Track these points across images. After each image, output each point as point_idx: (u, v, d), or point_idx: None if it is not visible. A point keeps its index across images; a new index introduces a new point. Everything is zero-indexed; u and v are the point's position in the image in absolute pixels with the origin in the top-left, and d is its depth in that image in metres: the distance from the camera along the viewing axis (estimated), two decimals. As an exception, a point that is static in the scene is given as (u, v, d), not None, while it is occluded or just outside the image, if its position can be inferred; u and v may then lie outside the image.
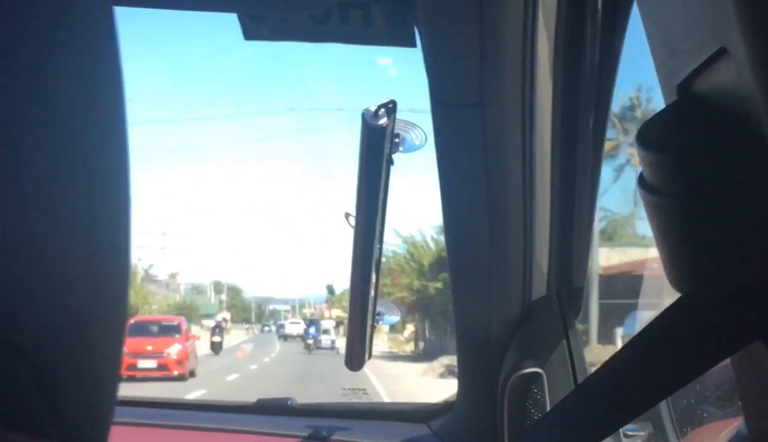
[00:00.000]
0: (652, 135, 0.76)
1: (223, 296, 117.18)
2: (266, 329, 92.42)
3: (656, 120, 0.77)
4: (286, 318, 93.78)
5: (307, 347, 51.21)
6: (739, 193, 0.70)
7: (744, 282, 0.72)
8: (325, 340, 53.30)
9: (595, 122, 1.87)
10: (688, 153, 0.73)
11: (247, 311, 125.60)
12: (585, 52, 1.80)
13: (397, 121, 1.75)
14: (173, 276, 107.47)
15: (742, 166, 0.69)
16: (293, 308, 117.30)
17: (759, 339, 0.75)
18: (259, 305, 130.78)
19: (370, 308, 1.98)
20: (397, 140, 1.79)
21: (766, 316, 0.72)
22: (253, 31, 1.82)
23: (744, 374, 0.81)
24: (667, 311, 0.78)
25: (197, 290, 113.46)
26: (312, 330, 53.96)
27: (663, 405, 2.06)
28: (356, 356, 2.02)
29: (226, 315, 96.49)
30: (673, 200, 0.74)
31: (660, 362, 0.79)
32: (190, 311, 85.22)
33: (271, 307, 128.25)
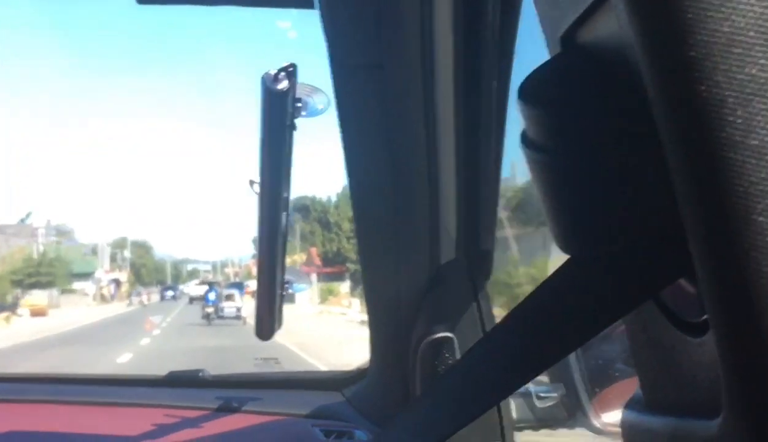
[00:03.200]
0: (533, 88, 0.74)
1: (127, 253, 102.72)
2: (168, 294, 79.40)
3: (538, 73, 0.75)
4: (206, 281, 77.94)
5: (206, 316, 42.46)
6: (622, 146, 0.67)
7: (631, 241, 0.69)
8: (228, 308, 44.14)
9: (498, 80, 1.85)
10: (568, 106, 0.71)
11: (161, 272, 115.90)
12: (485, 9, 1.77)
13: (299, 85, 1.71)
14: (24, 220, 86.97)
15: (624, 119, 0.67)
16: (214, 268, 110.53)
17: (649, 299, 0.73)
18: (175, 266, 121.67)
19: (278, 276, 1.94)
20: (299, 105, 1.75)
21: (656, 276, 0.70)
22: (146, -6, 1.77)
23: (636, 336, 0.80)
24: (556, 273, 0.76)
25: (66, 237, 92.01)
26: (212, 295, 44.27)
27: (574, 365, 2.06)
28: (266, 325, 1.99)
29: (119, 275, 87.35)
30: (554, 156, 0.71)
31: (551, 324, 0.78)
32: (54, 269, 71.05)
33: (189, 267, 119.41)
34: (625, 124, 0.67)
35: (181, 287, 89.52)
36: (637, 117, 0.64)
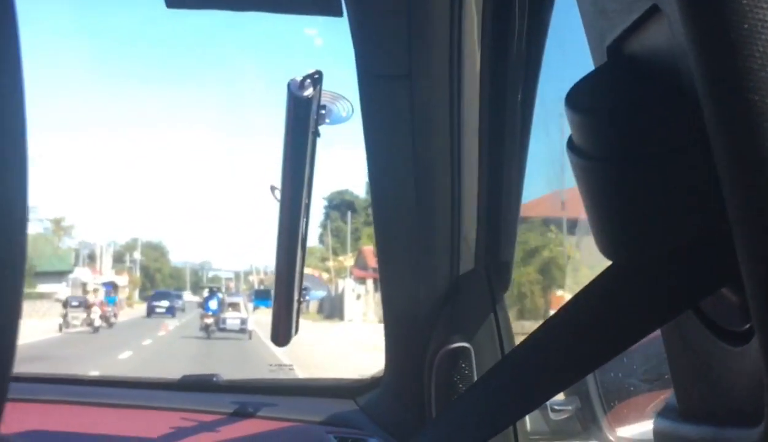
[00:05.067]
0: (581, 97, 0.74)
1: (137, 254, 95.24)
2: (160, 306, 58.41)
3: (585, 82, 0.75)
4: (228, 288, 69.41)
5: (205, 328, 35.83)
6: (669, 155, 0.68)
7: (674, 250, 0.70)
8: (231, 319, 37.18)
9: (523, 94, 1.85)
10: (617, 114, 0.71)
11: (178, 278, 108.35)
12: (513, 24, 1.78)
13: (323, 92, 1.72)
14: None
15: (672, 128, 0.68)
16: (237, 276, 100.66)
17: (690, 309, 0.74)
18: (195, 272, 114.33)
19: (296, 283, 1.95)
20: (323, 112, 1.76)
21: (697, 285, 0.71)
22: (175, -1, 1.78)
23: (673, 345, 0.80)
24: (597, 280, 0.76)
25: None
26: (213, 303, 36.75)
27: (590, 379, 2.06)
28: (282, 331, 1.99)
29: (117, 279, 73.05)
30: (601, 163, 0.72)
31: (590, 332, 0.78)
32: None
33: (210, 274, 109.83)
34: (672, 134, 0.68)
35: (186, 295, 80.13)
36: (684, 127, 0.65)
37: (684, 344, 0.78)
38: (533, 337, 0.85)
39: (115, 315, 44.59)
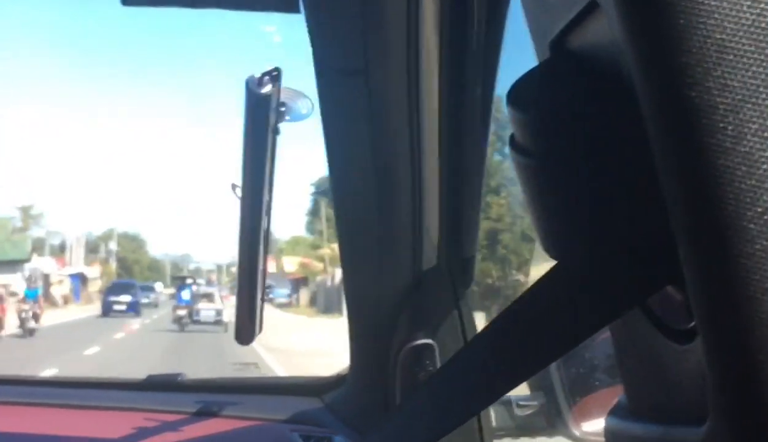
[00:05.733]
0: (522, 93, 0.74)
1: (113, 245, 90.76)
2: (120, 301, 48.36)
3: (526, 78, 0.75)
4: (210, 281, 64.24)
5: (178, 320, 34.46)
6: (611, 152, 0.67)
7: (618, 247, 0.69)
8: (205, 310, 35.71)
9: (483, 87, 1.85)
10: (557, 110, 0.71)
11: (157, 270, 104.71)
12: (471, 16, 1.77)
13: (283, 89, 1.70)
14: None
15: (613, 124, 0.67)
16: (219, 268, 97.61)
17: (636, 306, 0.73)
18: (175, 264, 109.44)
19: (259, 280, 1.94)
20: (283, 109, 1.74)
21: (642, 283, 0.70)
22: (131, -5, 1.76)
23: (622, 343, 0.80)
24: (543, 279, 0.76)
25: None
26: (185, 294, 35.64)
27: (555, 374, 2.06)
28: (246, 329, 1.98)
29: (86, 270, 69.30)
30: (542, 161, 0.71)
31: (539, 330, 0.77)
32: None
33: (192, 266, 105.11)
34: (613, 130, 0.67)
35: (159, 286, 73.86)
36: (625, 123, 0.64)
37: (632, 342, 0.77)
38: (487, 331, 0.85)
39: (36, 316, 31.53)
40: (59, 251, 78.66)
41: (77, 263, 74.81)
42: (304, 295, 57.30)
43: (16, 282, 47.60)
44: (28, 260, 57.27)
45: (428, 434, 0.89)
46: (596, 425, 2.08)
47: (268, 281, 2.05)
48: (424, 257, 2.02)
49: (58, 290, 60.03)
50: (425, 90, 1.82)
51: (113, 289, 52.50)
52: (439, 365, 2.00)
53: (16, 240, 61.30)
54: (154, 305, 59.78)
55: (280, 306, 54.24)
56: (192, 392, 2.57)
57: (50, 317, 38.32)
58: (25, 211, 79.94)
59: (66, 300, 59.75)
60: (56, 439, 2.26)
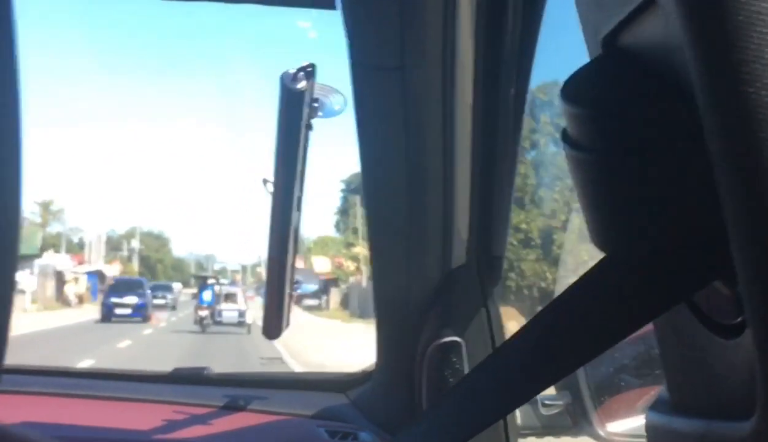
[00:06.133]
0: (576, 88, 0.74)
1: (135, 243, 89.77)
2: (124, 304, 42.12)
3: (580, 74, 0.75)
4: (235, 281, 61.05)
5: (199, 321, 32.89)
6: (664, 148, 0.68)
7: (668, 243, 0.70)
8: (228, 311, 34.53)
9: (516, 87, 1.85)
10: (612, 107, 0.71)
11: (181, 270, 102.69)
12: (507, 14, 1.78)
13: (316, 85, 1.71)
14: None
15: (668, 121, 0.68)
16: (244, 268, 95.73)
17: (683, 301, 0.74)
18: (200, 264, 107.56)
19: (288, 276, 1.95)
20: (316, 105, 1.75)
21: (690, 278, 0.71)
22: (168, -10, 1.78)
23: (666, 338, 0.80)
24: (589, 272, 0.76)
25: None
26: (207, 295, 33.83)
27: (581, 374, 2.06)
28: (274, 324, 1.99)
29: (106, 268, 66.14)
30: (595, 155, 0.72)
31: (582, 325, 0.78)
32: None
33: (217, 266, 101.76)
34: (667, 127, 0.68)
35: (177, 287, 69.08)
36: (679, 120, 0.65)
37: (676, 337, 0.78)
38: (524, 330, 0.85)
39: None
40: (78, 248, 77.55)
41: (97, 260, 73.02)
42: (335, 297, 54.71)
43: (24, 279, 46.35)
44: (38, 256, 54.80)
45: (459, 435, 0.90)
46: (622, 425, 2.09)
47: (297, 276, 2.06)
48: (454, 255, 2.03)
49: (73, 289, 57.29)
50: (459, 87, 1.82)
51: (116, 288, 44.72)
52: (466, 362, 2.01)
53: (24, 234, 53.30)
54: (171, 306, 55.57)
55: (309, 308, 51.71)
56: (218, 385, 2.59)
57: (39, 320, 33.86)
58: (45, 206, 78.30)
59: (81, 299, 57.09)
60: (87, 429, 2.28)
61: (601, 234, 0.74)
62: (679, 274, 0.71)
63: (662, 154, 0.68)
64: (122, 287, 44.86)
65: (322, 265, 59.89)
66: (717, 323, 0.71)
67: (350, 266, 55.05)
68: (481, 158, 1.92)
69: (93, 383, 2.65)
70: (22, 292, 44.84)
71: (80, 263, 66.68)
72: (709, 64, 0.56)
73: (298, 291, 2.16)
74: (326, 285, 54.57)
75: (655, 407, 0.81)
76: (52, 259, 58.59)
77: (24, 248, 47.89)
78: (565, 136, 0.75)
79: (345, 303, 51.12)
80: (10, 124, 0.57)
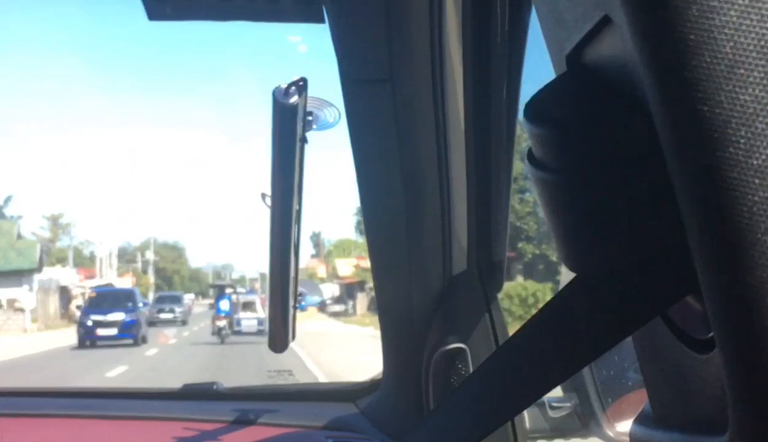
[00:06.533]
0: (539, 108, 0.74)
1: (149, 254, 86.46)
2: (99, 328, 32.86)
3: (544, 93, 0.75)
4: (253, 289, 60.56)
5: (218, 332, 31.49)
6: (628, 166, 0.68)
7: (638, 259, 0.70)
8: (247, 320, 33.15)
9: (507, 93, 1.85)
10: (574, 126, 0.71)
11: (198, 281, 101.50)
12: (494, 22, 1.78)
13: (309, 98, 1.72)
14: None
15: (630, 139, 0.67)
16: (263, 276, 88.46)
17: (656, 317, 0.74)
18: (218, 273, 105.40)
19: (291, 289, 1.95)
20: (310, 118, 1.76)
21: (663, 294, 0.70)
22: (156, 10, 1.78)
23: (644, 352, 0.80)
24: (562, 292, 0.76)
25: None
26: (224, 304, 32.19)
27: (587, 376, 2.06)
28: (279, 337, 2.00)
29: (118, 282, 59.94)
30: (559, 175, 0.72)
31: (561, 342, 0.78)
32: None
33: (235, 275, 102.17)
34: (629, 144, 0.67)
35: (188, 298, 62.55)
36: (641, 136, 0.65)
37: (653, 351, 0.78)
38: (514, 341, 0.85)
39: None
40: (90, 262, 75.07)
41: (108, 274, 69.27)
42: (362, 301, 50.37)
43: (22, 295, 42.83)
44: (37, 270, 48.69)
45: (464, 438, 0.90)
46: (630, 425, 2.08)
47: (300, 289, 2.07)
48: (454, 262, 2.03)
49: (78, 303, 48.40)
50: (450, 96, 1.83)
51: (96, 303, 35.49)
52: (471, 368, 2.01)
53: (21, 247, 50.59)
54: (181, 321, 47.17)
55: (335, 315, 49.05)
56: (228, 400, 2.59)
57: (30, 343, 30.51)
58: (54, 220, 75.94)
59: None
60: None
61: (570, 254, 0.74)
62: (651, 290, 0.71)
63: (626, 171, 0.68)
64: (105, 301, 35.65)
65: (345, 268, 57.91)
66: (691, 337, 0.71)
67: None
68: (475, 164, 1.92)
69: (101, 402, 2.66)
70: (21, 310, 41.55)
71: (90, 276, 63.03)
72: (663, 83, 0.56)
73: (303, 303, 2.16)
74: (351, 289, 52.14)
75: (639, 419, 0.81)
76: (55, 273, 53.66)
77: (22, 262, 47.63)
78: (530, 157, 0.74)
79: (373, 307, 47.01)
80: None
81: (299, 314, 2.02)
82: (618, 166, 0.68)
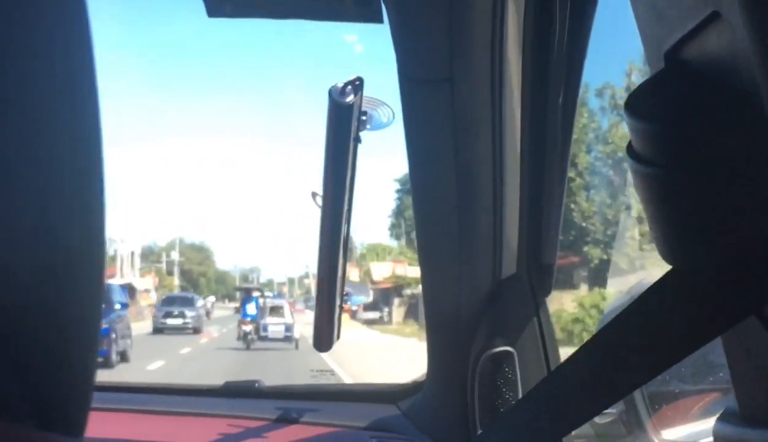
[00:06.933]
0: (640, 103, 0.74)
1: (174, 254, 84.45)
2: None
3: (644, 88, 0.75)
4: (282, 293, 61.13)
5: (243, 337, 30.82)
6: (731, 162, 0.68)
7: (737, 256, 0.70)
8: (274, 325, 31.70)
9: (565, 97, 1.85)
10: (677, 121, 0.71)
11: (224, 283, 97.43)
12: (554, 27, 1.78)
13: (364, 98, 1.72)
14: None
15: (734, 135, 0.67)
16: (290, 280, 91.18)
17: (752, 315, 0.73)
18: (245, 276, 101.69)
19: (338, 288, 1.96)
20: (364, 118, 1.76)
21: (759, 291, 0.70)
22: (216, 8, 1.79)
23: (735, 350, 0.80)
24: (656, 285, 0.76)
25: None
26: (251, 308, 31.37)
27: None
28: (325, 337, 2.00)
29: (137, 282, 60.39)
30: (661, 170, 0.72)
31: (649, 339, 0.78)
32: None
33: (264, 279, 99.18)
34: (734, 141, 0.67)
35: (205, 302, 54.69)
36: (747, 134, 0.65)
37: (745, 350, 0.78)
38: (586, 349, 0.85)
39: None
40: (112, 261, 71.27)
41: (130, 273, 67.00)
42: (399, 308, 47.90)
43: None
44: None
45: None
46: (676, 433, 2.07)
47: (346, 288, 2.08)
48: (504, 264, 2.02)
49: None
50: (508, 98, 1.82)
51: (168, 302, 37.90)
52: (518, 372, 2.00)
53: None
54: (193, 328, 41.15)
55: (369, 323, 46.54)
56: (270, 398, 2.60)
57: None
58: None
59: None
60: None
61: (668, 248, 0.74)
62: (748, 287, 0.70)
63: (731, 167, 0.68)
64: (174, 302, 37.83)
65: (380, 272, 54.10)
66: None
67: (412, 271, 45.63)
68: (530, 168, 1.92)
69: (145, 397, 2.67)
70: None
71: (110, 276, 58.47)
72: None
73: (349, 303, 2.17)
74: (387, 295, 48.90)
75: (724, 417, 0.81)
76: None
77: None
78: (630, 151, 0.75)
79: (411, 315, 43.69)
80: (94, 169, 0.58)
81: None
82: (721, 162, 0.68)
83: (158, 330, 39.59)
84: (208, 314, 54.80)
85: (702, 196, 0.70)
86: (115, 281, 52.18)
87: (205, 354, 27.38)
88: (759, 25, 0.56)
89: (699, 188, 0.70)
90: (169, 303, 43.66)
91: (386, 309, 48.59)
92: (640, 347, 0.78)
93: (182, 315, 41.17)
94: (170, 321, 40.69)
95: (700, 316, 0.74)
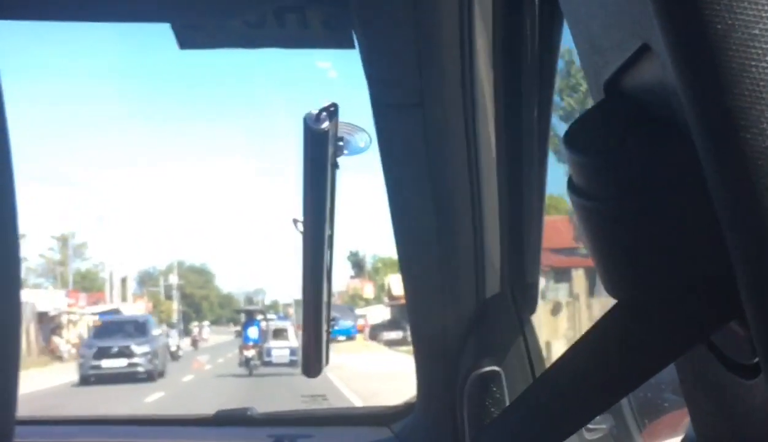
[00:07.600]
0: (578, 136, 0.74)
1: (173, 277, 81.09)
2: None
3: (582, 121, 0.75)
4: (287, 315, 57.30)
5: (245, 363, 29.54)
6: (666, 192, 0.67)
7: (680, 285, 0.69)
8: (278, 349, 30.62)
9: (539, 115, 1.85)
10: (614, 154, 0.71)
11: (228, 307, 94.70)
12: (524, 47, 1.78)
13: (340, 124, 1.72)
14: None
15: (670, 166, 0.67)
16: (296, 302, 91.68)
17: (700, 343, 0.73)
18: (249, 299, 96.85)
19: (324, 313, 1.95)
20: (341, 143, 1.76)
21: (705, 320, 0.70)
22: (188, 39, 1.79)
23: (687, 378, 0.80)
24: (605, 318, 0.76)
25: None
26: (253, 332, 30.20)
27: (623, 398, 2.05)
28: (313, 362, 2.00)
29: (126, 308, 51.93)
30: (601, 203, 0.71)
31: (603, 370, 0.78)
32: None
33: (268, 301, 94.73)
34: (670, 170, 0.67)
35: (166, 330, 48.59)
36: (682, 163, 0.65)
37: (698, 377, 0.77)
38: (552, 371, 0.85)
39: None
40: (99, 287, 68.72)
41: (118, 299, 62.06)
42: None
43: None
44: None
45: None
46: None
47: (333, 313, 2.07)
48: (487, 284, 2.02)
49: (66, 335, 41.77)
50: (481, 120, 1.83)
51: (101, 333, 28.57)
52: (506, 391, 2.00)
53: None
54: (147, 373, 28.96)
55: (390, 344, 43.14)
56: (263, 425, 2.59)
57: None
58: (64, 240, 66.60)
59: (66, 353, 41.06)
60: None
61: (612, 280, 0.74)
62: (694, 316, 0.70)
63: (669, 198, 0.67)
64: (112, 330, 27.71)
65: (400, 286, 52.24)
66: (736, 362, 0.71)
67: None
68: (507, 186, 1.92)
69: (136, 429, 2.66)
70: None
71: (95, 302, 55.48)
72: (704, 111, 0.56)
73: (336, 328, 2.17)
74: (402, 311, 41.19)
75: None
76: (32, 296, 42.92)
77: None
78: (571, 185, 0.74)
79: None
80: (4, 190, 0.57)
81: (344, 345, 2.02)
82: (658, 193, 0.68)
83: (86, 380, 27.76)
84: (195, 342, 47.92)
85: (641, 228, 0.70)
86: (99, 308, 48.19)
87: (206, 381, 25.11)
88: (683, 59, 0.56)
89: (636, 221, 0.70)
90: (105, 334, 30.46)
91: (407, 325, 45.98)
92: (595, 375, 0.78)
93: (126, 353, 28.77)
94: (107, 363, 28.50)
95: (646, 347, 0.74)
